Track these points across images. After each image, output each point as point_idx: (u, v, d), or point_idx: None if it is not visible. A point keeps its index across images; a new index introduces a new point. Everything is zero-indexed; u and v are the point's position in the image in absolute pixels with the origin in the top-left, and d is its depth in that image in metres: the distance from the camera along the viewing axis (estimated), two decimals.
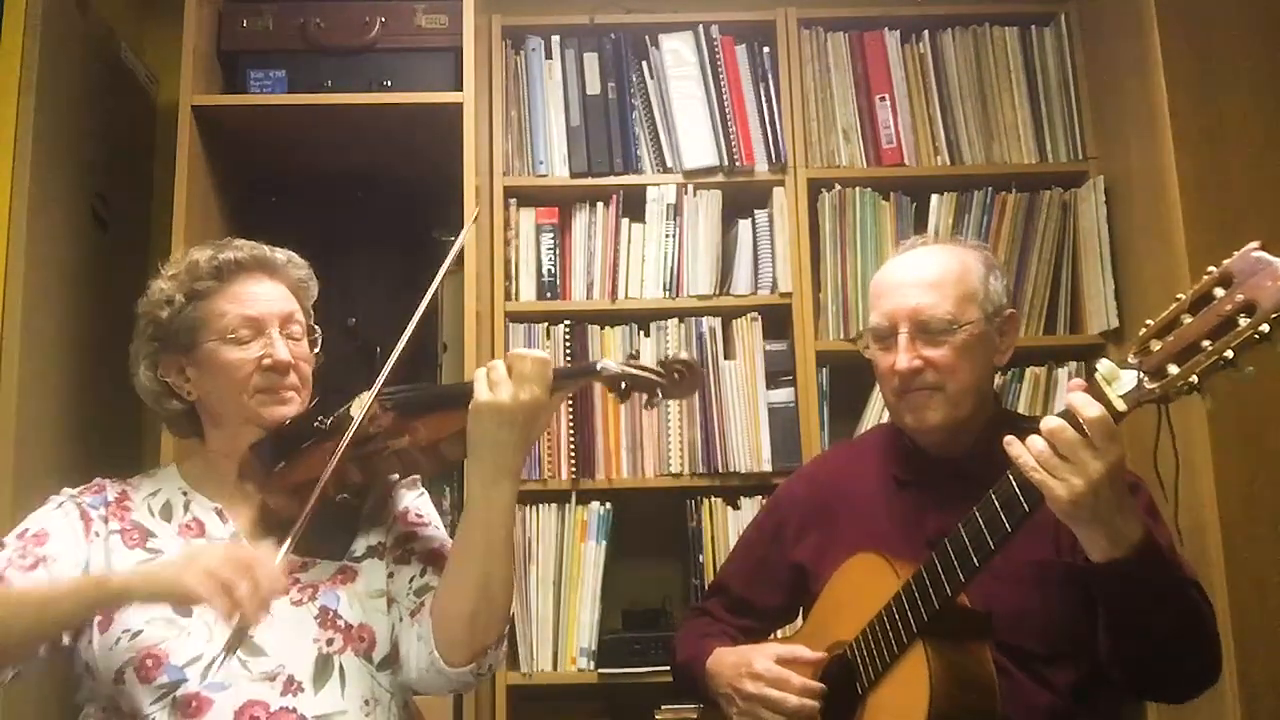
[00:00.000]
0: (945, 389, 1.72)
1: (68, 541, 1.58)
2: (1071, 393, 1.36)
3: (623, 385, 1.53)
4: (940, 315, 1.71)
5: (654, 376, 1.52)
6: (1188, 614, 1.48)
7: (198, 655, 1.50)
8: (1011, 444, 1.40)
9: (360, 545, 1.69)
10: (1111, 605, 1.47)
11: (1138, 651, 1.50)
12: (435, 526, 1.76)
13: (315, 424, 1.67)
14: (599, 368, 1.54)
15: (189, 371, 1.69)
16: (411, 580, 1.65)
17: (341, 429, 1.61)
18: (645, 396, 1.55)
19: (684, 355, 1.53)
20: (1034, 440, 1.37)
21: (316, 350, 1.76)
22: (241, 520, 1.68)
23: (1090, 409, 1.33)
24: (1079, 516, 1.38)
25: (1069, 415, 1.35)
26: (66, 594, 1.46)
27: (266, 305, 1.68)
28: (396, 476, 1.74)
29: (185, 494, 1.70)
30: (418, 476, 1.79)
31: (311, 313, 1.80)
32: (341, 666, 1.56)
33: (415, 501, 1.78)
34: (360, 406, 1.62)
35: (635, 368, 1.53)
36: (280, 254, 1.75)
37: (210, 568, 1.34)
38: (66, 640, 1.54)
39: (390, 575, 1.67)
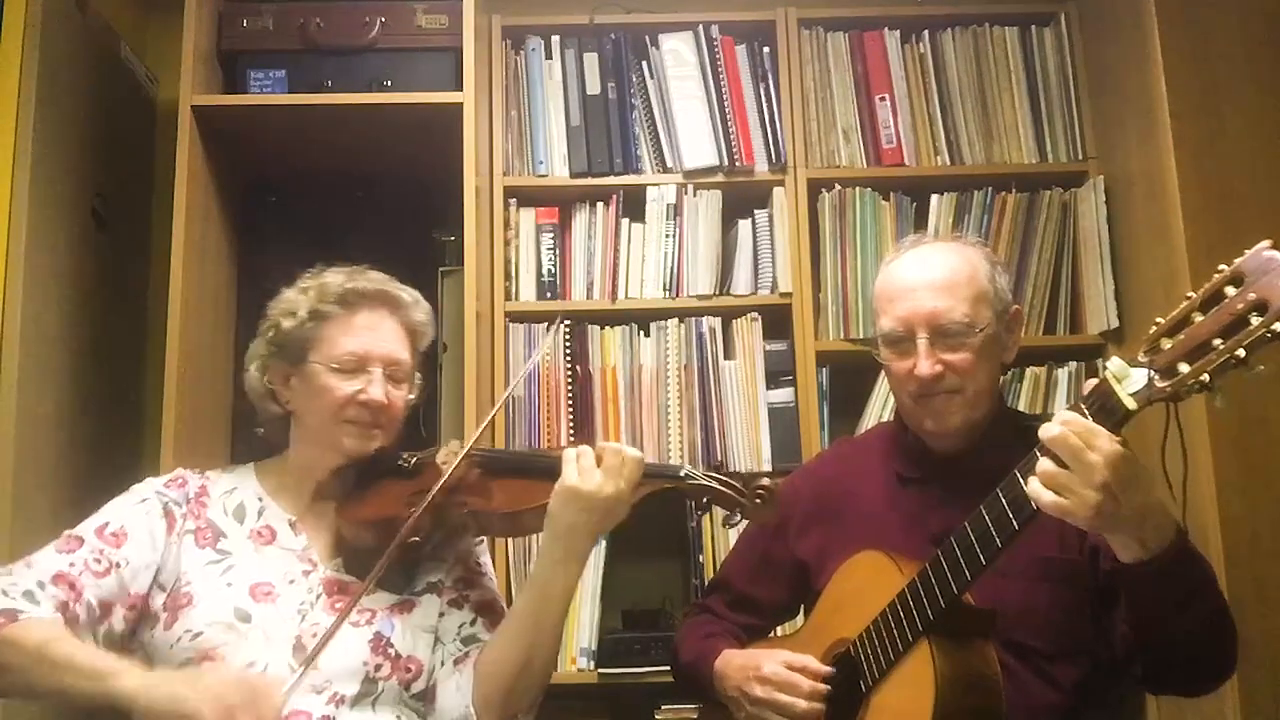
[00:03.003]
0: (964, 392, 1.71)
1: (144, 544, 1.63)
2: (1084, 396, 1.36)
3: (704, 500, 1.57)
4: (957, 319, 1.70)
5: (736, 496, 1.56)
6: (1214, 611, 1.48)
7: (253, 661, 1.55)
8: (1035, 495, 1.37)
9: (421, 581, 1.73)
10: (1139, 604, 1.46)
11: (1163, 647, 1.49)
12: (490, 578, 1.82)
13: (399, 461, 1.75)
14: (684, 474, 1.59)
15: (293, 382, 1.75)
16: (461, 627, 1.70)
17: (422, 472, 1.69)
18: (724, 514, 1.59)
19: (766, 480, 1.56)
20: (1042, 464, 1.36)
21: (413, 396, 1.81)
22: (315, 536, 1.71)
23: (1051, 428, 1.33)
24: (1106, 526, 1.37)
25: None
26: (81, 674, 1.46)
27: (378, 344, 1.74)
28: (470, 533, 1.79)
29: (260, 499, 1.74)
30: None
31: (421, 354, 1.85)
32: (382, 690, 1.61)
33: (476, 548, 1.82)
34: (447, 456, 1.68)
35: (720, 484, 1.56)
36: (408, 294, 1.81)
37: (220, 695, 1.38)
38: (123, 628, 1.59)
39: (441, 614, 1.71)
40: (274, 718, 1.41)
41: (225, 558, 1.66)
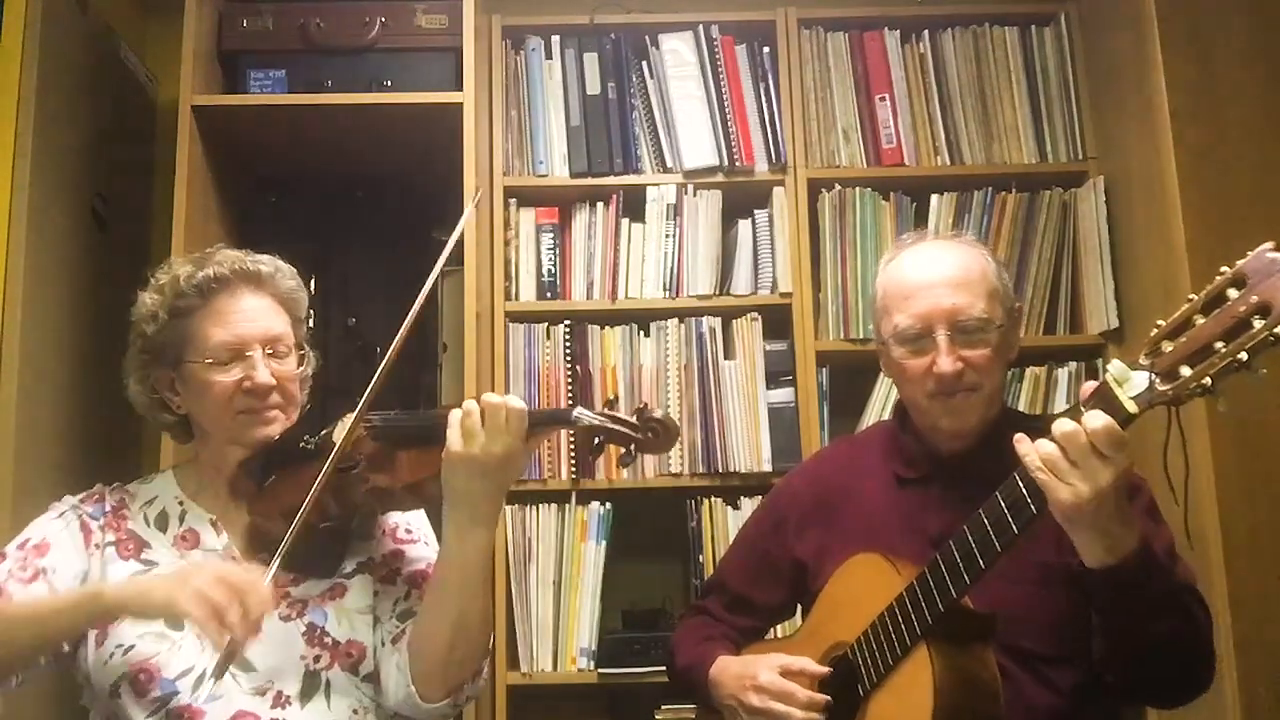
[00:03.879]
0: (981, 389, 1.69)
1: (67, 552, 1.59)
2: (1083, 399, 1.36)
3: (596, 440, 1.50)
4: (977, 315, 1.68)
5: (628, 431, 1.48)
6: (1181, 622, 1.48)
7: (189, 668, 1.52)
8: (1021, 441, 1.39)
9: (350, 562, 1.68)
10: (1104, 610, 1.47)
11: (1130, 656, 1.50)
12: (424, 543, 1.75)
13: (302, 443, 1.66)
14: (573, 417, 1.50)
15: (177, 386, 1.68)
16: (396, 603, 1.65)
17: (323, 452, 1.60)
18: (620, 451, 1.51)
19: (658, 413, 1.49)
20: (1043, 442, 1.36)
21: (303, 368, 1.73)
22: (235, 533, 1.67)
23: (1098, 419, 1.32)
24: (1079, 522, 1.37)
25: (1077, 417, 1.34)
26: (63, 608, 1.47)
27: (249, 326, 1.65)
28: (378, 512, 1.72)
29: (181, 503, 1.69)
30: None
31: (303, 322, 1.76)
32: (328, 681, 1.57)
33: (404, 516, 1.76)
34: (342, 430, 1.59)
35: (610, 420, 1.49)
36: (266, 265, 1.71)
37: (203, 590, 1.35)
38: (66, 648, 1.55)
39: (376, 593, 1.66)
40: (261, 610, 1.38)
41: (150, 567, 1.61)
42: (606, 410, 1.52)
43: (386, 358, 1.57)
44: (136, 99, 2.86)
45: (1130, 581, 1.40)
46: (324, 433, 1.67)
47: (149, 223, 2.85)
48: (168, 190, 2.44)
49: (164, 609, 1.40)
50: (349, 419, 1.60)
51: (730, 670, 1.77)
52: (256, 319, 1.66)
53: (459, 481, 1.50)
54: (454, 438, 1.48)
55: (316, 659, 1.57)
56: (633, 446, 1.50)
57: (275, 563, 1.48)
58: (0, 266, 2.21)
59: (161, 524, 1.67)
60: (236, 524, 1.68)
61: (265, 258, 1.72)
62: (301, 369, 1.73)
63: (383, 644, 1.61)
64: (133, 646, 1.52)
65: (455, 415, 1.49)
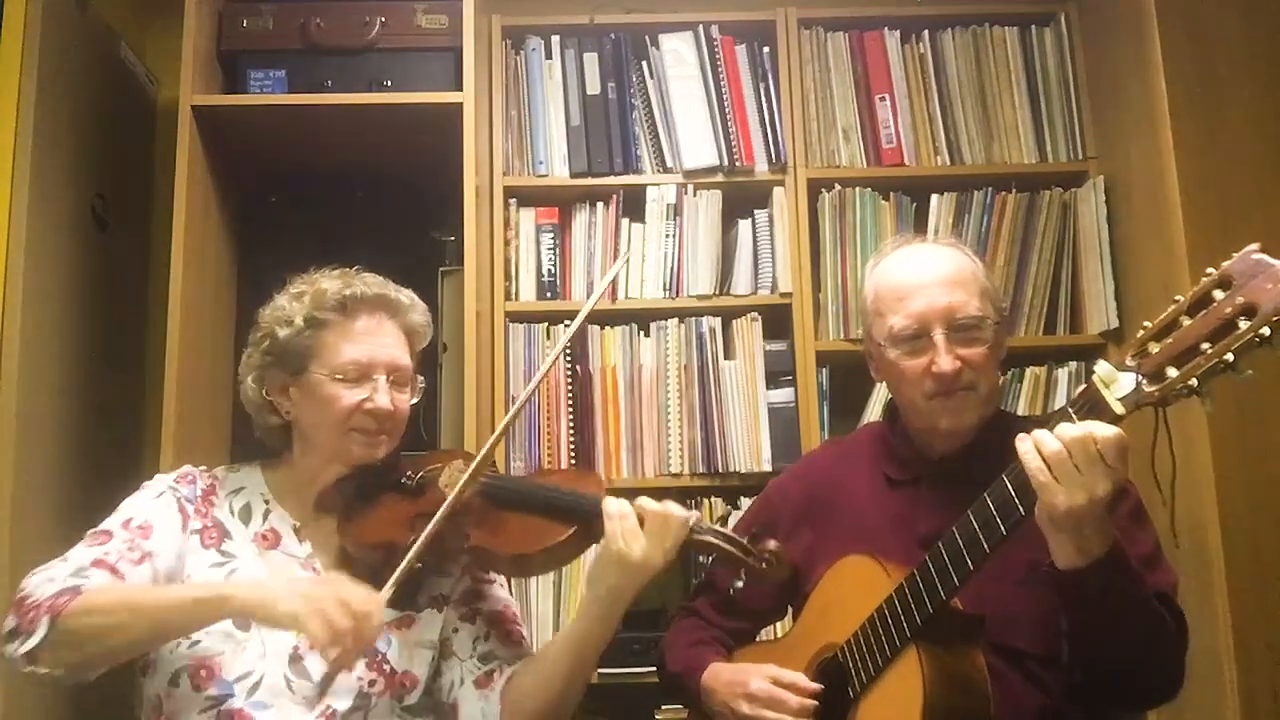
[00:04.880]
0: (978, 388, 1.69)
1: (169, 535, 1.62)
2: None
3: (709, 557, 1.57)
4: (972, 314, 1.69)
5: (740, 554, 1.55)
6: (1147, 627, 1.49)
7: (248, 671, 1.55)
8: (1024, 440, 1.39)
9: (424, 595, 1.71)
10: (1071, 611, 1.48)
11: (1094, 658, 1.50)
12: (500, 584, 1.80)
13: (403, 479, 1.72)
14: (691, 525, 1.57)
15: (292, 393, 1.72)
16: (475, 643, 1.69)
17: (424, 492, 1.67)
18: (727, 573, 1.57)
19: (773, 544, 1.56)
20: (1046, 442, 1.36)
21: (415, 399, 1.78)
22: (318, 545, 1.70)
23: (1107, 429, 1.32)
24: (1063, 525, 1.38)
25: (1073, 421, 1.34)
26: (188, 605, 1.48)
27: (380, 350, 1.70)
28: (461, 563, 1.75)
29: (267, 502, 1.72)
30: None
31: (419, 357, 1.81)
32: (375, 704, 1.60)
33: None
34: (450, 478, 1.66)
35: (727, 541, 1.55)
36: (404, 296, 1.77)
37: (327, 613, 1.38)
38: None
39: (455, 630, 1.70)
40: (371, 639, 1.43)
41: (229, 560, 1.64)
42: (722, 528, 1.58)
43: (507, 418, 1.74)
44: (136, 99, 2.86)
45: (1097, 584, 1.41)
46: (429, 469, 1.72)
47: (149, 223, 2.86)
48: (168, 190, 2.44)
49: (288, 622, 1.43)
50: (459, 464, 1.67)
51: (722, 677, 1.77)
52: (388, 346, 1.72)
53: (610, 578, 1.58)
54: (614, 534, 1.55)
55: (371, 683, 1.60)
56: (743, 571, 1.56)
57: (387, 593, 1.50)
58: (0, 266, 2.21)
59: (245, 516, 1.70)
60: (319, 536, 1.71)
61: (404, 290, 1.79)
62: (415, 400, 1.78)
63: (461, 682, 1.66)
64: (199, 641, 1.55)
65: (614, 509, 1.57)
